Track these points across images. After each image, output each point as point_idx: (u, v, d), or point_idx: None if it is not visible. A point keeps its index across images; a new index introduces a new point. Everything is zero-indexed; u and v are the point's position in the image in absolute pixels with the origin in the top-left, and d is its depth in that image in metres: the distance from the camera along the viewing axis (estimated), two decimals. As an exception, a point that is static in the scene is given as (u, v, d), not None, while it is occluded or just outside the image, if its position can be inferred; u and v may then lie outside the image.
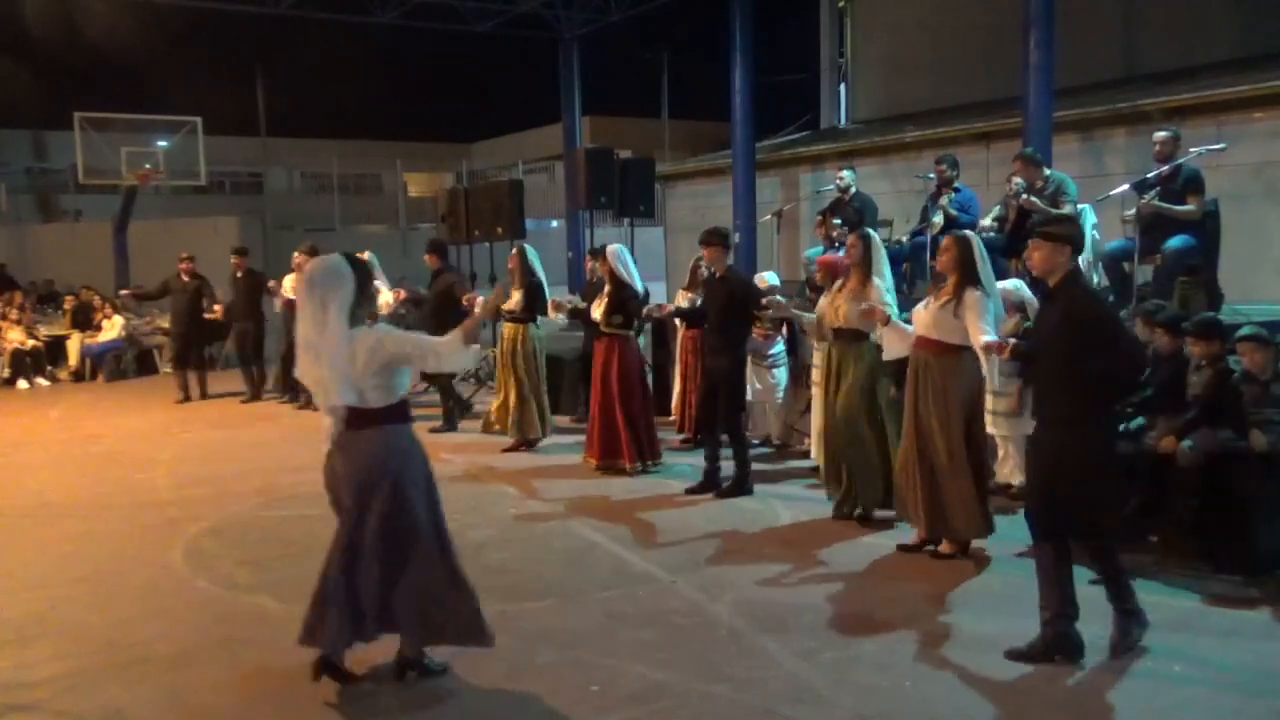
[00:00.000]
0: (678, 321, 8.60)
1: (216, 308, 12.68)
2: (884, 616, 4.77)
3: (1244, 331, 5.61)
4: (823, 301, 6.56)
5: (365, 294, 4.07)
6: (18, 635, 4.80)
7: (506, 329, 8.91)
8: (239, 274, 11.94)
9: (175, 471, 8.36)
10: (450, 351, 4.06)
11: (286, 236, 24.00)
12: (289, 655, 4.48)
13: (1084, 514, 4.21)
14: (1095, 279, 7.98)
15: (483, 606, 5.03)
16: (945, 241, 5.75)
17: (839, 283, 6.39)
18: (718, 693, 4.02)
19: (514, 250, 8.90)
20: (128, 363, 14.95)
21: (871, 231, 6.49)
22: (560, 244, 19.55)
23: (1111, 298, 7.75)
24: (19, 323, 14.43)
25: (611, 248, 7.99)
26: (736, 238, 14.78)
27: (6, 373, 14.11)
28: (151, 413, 11.46)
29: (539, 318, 8.82)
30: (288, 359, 11.59)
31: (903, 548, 5.75)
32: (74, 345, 14.78)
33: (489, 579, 5.44)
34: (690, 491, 7.14)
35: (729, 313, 7.01)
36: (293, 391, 11.58)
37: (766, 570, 5.49)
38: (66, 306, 15.68)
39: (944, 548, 5.61)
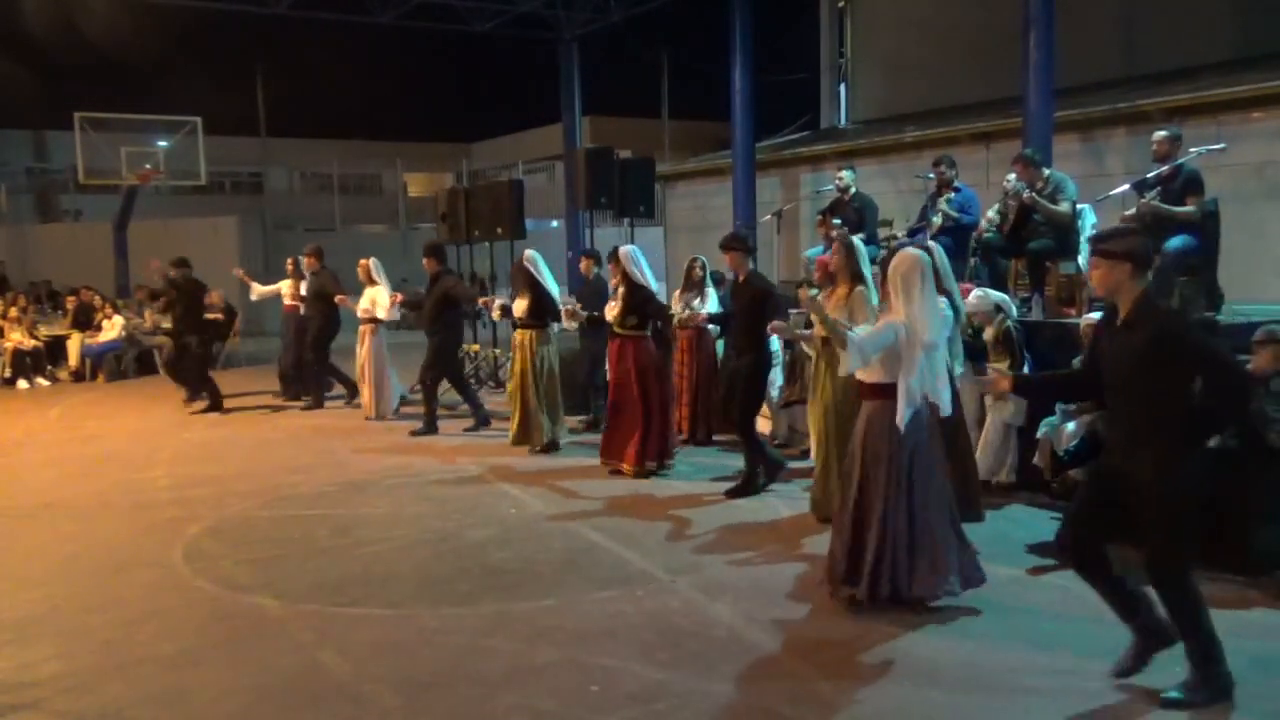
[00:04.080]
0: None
1: (237, 272, 12.80)
2: (885, 617, 4.76)
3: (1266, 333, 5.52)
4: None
5: None
6: (18, 635, 4.80)
7: (518, 335, 8.85)
8: (314, 275, 11.60)
9: (175, 471, 8.36)
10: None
11: (286, 236, 24.05)
12: (289, 655, 4.50)
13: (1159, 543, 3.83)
14: (1095, 279, 7.99)
15: (483, 606, 5.07)
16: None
17: (828, 290, 6.28)
18: (718, 693, 4.02)
19: (519, 259, 8.91)
20: (128, 363, 14.95)
21: (854, 239, 6.42)
22: (560, 244, 19.56)
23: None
24: (19, 323, 14.43)
25: (624, 249, 7.94)
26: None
27: (7, 373, 14.11)
28: (151, 413, 11.46)
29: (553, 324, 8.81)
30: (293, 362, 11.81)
31: None
32: (74, 345, 14.78)
33: (489, 579, 5.46)
34: (730, 494, 7.08)
35: (753, 316, 7.01)
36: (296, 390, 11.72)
37: (767, 570, 5.49)
38: (68, 306, 15.69)
39: None
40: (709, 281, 8.93)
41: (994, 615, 4.74)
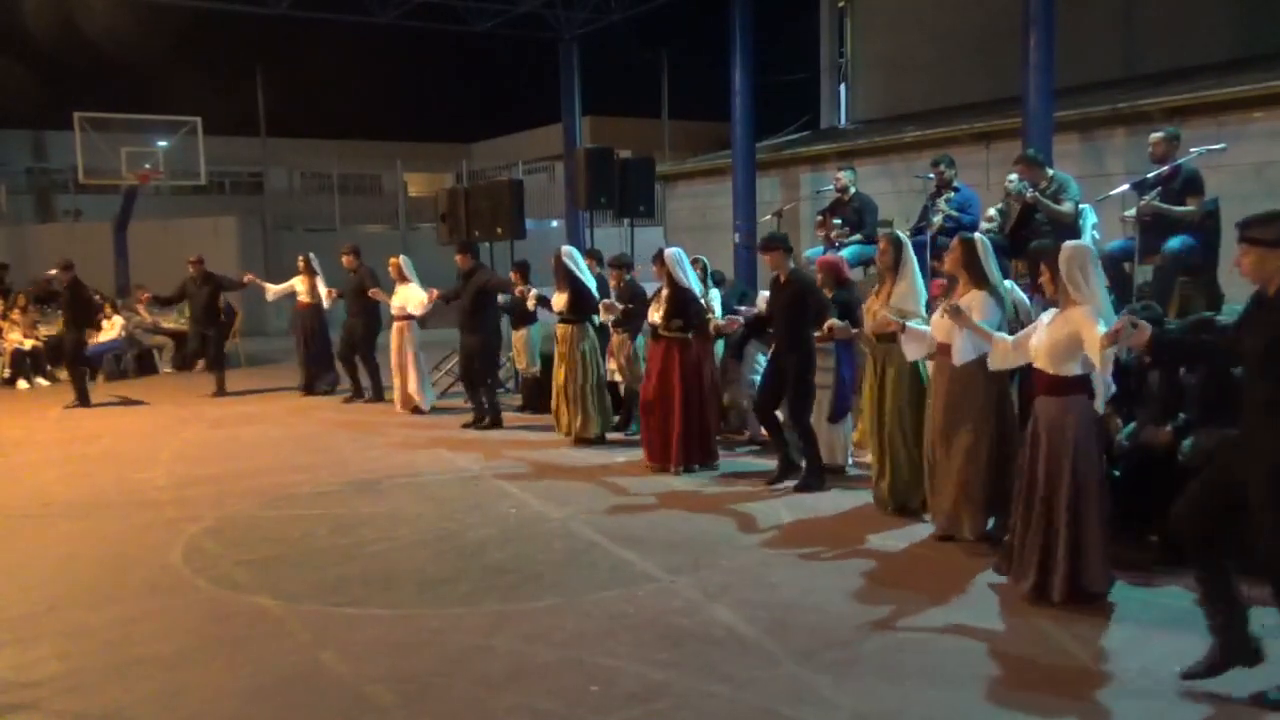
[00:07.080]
0: None
1: (248, 277, 12.96)
2: (886, 617, 4.76)
3: None
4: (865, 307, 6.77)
5: None
6: (18, 635, 4.80)
7: (559, 330, 9.01)
8: (352, 272, 11.73)
9: (175, 471, 8.36)
10: None
11: (286, 236, 24.02)
12: (289, 655, 4.50)
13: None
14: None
15: (483, 606, 5.07)
16: (952, 243, 5.83)
17: (876, 287, 6.56)
18: (718, 693, 4.02)
19: (558, 253, 9.08)
20: (128, 363, 14.95)
21: (900, 234, 6.58)
22: (560, 244, 19.51)
23: (1112, 298, 7.74)
24: (19, 323, 14.42)
25: (669, 252, 7.95)
26: (736, 238, 14.82)
27: (6, 373, 14.11)
28: (151, 413, 11.46)
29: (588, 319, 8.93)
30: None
31: (939, 539, 5.90)
32: (74, 345, 14.74)
33: (489, 579, 5.46)
34: (771, 482, 7.25)
35: (794, 313, 7.07)
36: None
37: (767, 570, 5.49)
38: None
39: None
40: (710, 282, 8.93)
41: (999, 620, 4.74)
